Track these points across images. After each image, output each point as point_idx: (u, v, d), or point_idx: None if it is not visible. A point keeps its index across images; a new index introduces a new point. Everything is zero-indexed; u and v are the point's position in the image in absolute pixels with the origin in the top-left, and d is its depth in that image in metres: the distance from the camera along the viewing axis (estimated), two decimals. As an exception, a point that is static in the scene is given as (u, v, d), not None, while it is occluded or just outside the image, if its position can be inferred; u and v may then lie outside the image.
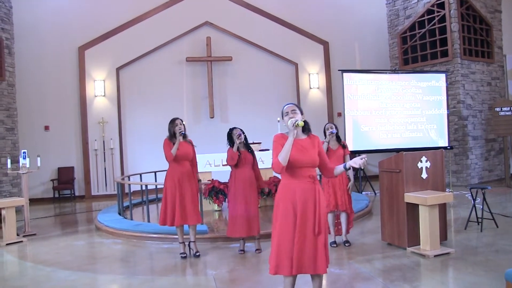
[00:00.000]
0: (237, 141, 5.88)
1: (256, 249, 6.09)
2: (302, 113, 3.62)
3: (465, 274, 4.79)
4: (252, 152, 6.07)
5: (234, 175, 6.02)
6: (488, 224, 6.91)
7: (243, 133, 6.06)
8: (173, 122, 5.89)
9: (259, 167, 6.23)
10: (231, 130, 6.06)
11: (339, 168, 3.68)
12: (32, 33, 12.38)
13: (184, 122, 5.99)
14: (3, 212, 7.33)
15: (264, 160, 9.21)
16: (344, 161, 6.06)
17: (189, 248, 6.08)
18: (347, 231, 6.28)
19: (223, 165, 8.97)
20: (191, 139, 6.06)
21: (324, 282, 4.69)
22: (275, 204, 3.64)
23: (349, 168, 3.61)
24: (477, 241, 6.26)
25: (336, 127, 6.23)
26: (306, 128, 3.65)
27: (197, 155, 6.15)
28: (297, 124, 3.42)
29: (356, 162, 3.49)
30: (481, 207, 6.97)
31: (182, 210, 5.79)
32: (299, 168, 3.51)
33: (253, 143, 8.87)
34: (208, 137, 11.77)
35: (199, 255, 5.98)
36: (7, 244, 7.17)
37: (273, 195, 9.21)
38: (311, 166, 3.56)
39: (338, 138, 6.21)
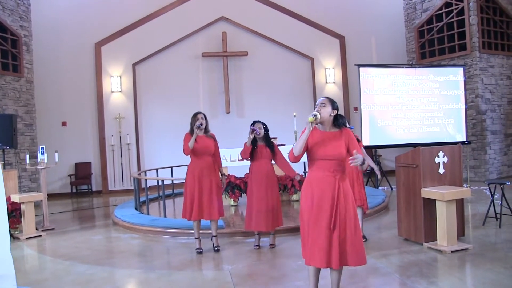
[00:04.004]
0: (250, 136, 5.87)
1: (270, 244, 6.08)
2: (334, 108, 3.61)
3: (484, 271, 4.73)
4: (272, 147, 5.98)
5: (251, 168, 6.03)
6: (507, 220, 6.81)
7: (265, 127, 6.01)
8: (194, 116, 5.87)
9: None
10: (252, 124, 6.02)
11: None
12: (49, 30, 12.49)
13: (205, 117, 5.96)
14: (23, 206, 7.45)
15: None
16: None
17: (212, 243, 6.09)
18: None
19: (239, 160, 8.98)
20: (213, 134, 6.03)
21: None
22: (301, 195, 3.70)
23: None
24: (495, 237, 6.19)
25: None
26: (339, 123, 3.63)
27: None
28: (308, 120, 3.46)
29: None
30: (500, 202, 6.85)
31: (199, 205, 5.78)
32: (321, 160, 3.50)
33: (269, 138, 8.84)
34: (224, 132, 11.69)
35: (219, 249, 5.98)
36: (26, 238, 7.28)
37: (289, 190, 9.20)
38: (334, 159, 3.52)
39: None
